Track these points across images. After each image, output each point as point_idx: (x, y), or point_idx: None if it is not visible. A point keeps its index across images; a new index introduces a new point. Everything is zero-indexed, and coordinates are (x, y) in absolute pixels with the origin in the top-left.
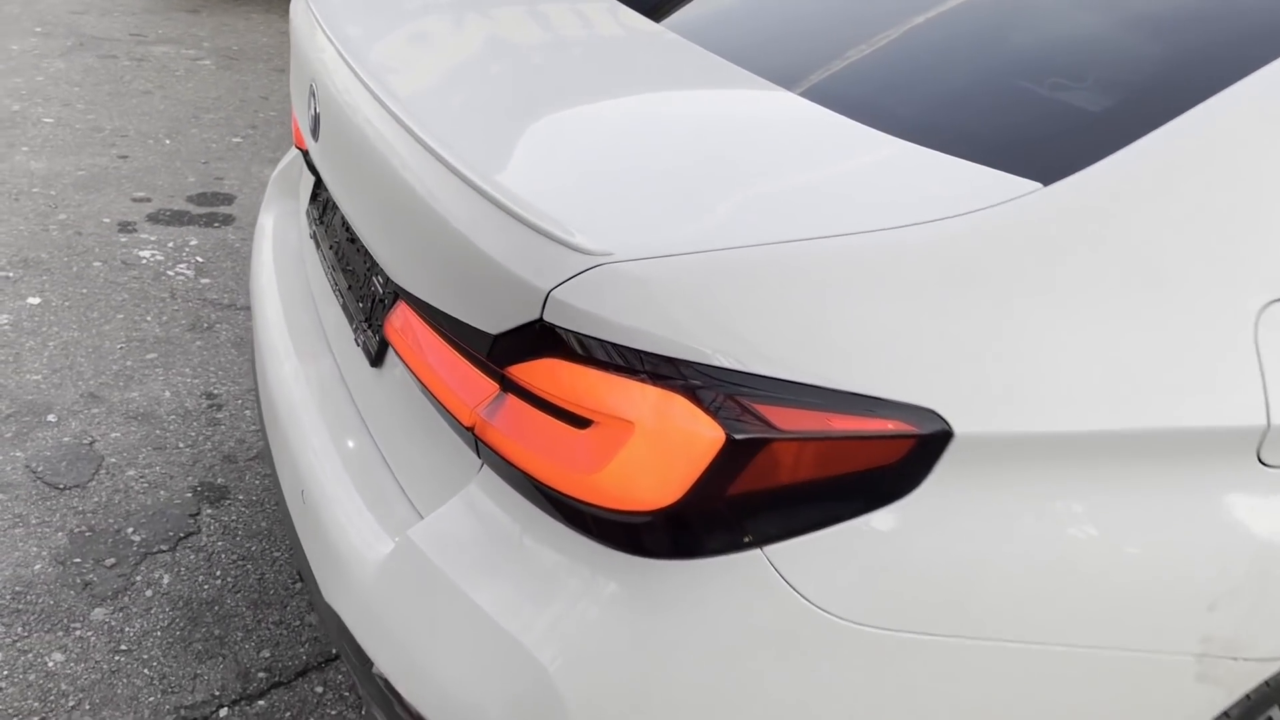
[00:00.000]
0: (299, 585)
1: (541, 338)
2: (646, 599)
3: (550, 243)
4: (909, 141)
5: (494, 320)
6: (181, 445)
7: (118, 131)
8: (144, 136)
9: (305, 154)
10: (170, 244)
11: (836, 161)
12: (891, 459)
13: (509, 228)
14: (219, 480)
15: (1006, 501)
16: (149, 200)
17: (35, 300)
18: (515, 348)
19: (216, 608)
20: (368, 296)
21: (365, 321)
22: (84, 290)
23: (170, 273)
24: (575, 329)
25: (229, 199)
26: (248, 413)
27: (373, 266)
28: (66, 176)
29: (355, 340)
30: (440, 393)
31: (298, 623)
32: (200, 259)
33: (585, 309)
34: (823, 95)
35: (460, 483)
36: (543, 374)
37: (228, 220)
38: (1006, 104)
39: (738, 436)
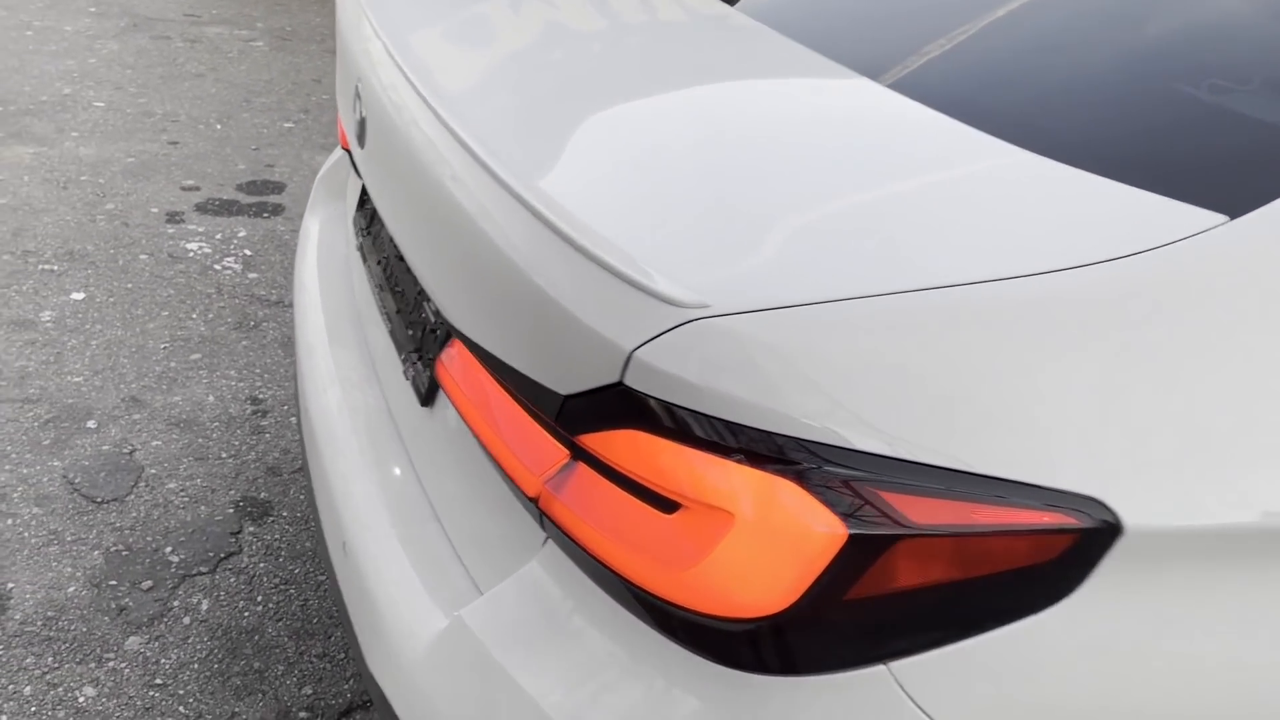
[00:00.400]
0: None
1: (621, 403)
2: None
3: (632, 291)
4: (1051, 159)
5: (564, 379)
6: (224, 455)
7: (169, 116)
8: (195, 121)
9: (349, 154)
10: (218, 236)
11: (970, 185)
12: (1045, 558)
13: (582, 270)
14: (262, 495)
15: (1182, 609)
16: (198, 189)
17: (79, 295)
18: (589, 412)
19: (257, 637)
20: (418, 325)
21: (415, 353)
22: (129, 285)
23: (217, 267)
24: (663, 396)
25: (279, 187)
26: (293, 419)
27: (424, 292)
28: (115, 164)
29: (404, 373)
30: (500, 454)
31: (341, 655)
32: (248, 252)
33: (675, 373)
34: (942, 99)
35: (521, 555)
36: (622, 447)
37: (277, 210)
38: (1166, 110)
39: (860, 532)
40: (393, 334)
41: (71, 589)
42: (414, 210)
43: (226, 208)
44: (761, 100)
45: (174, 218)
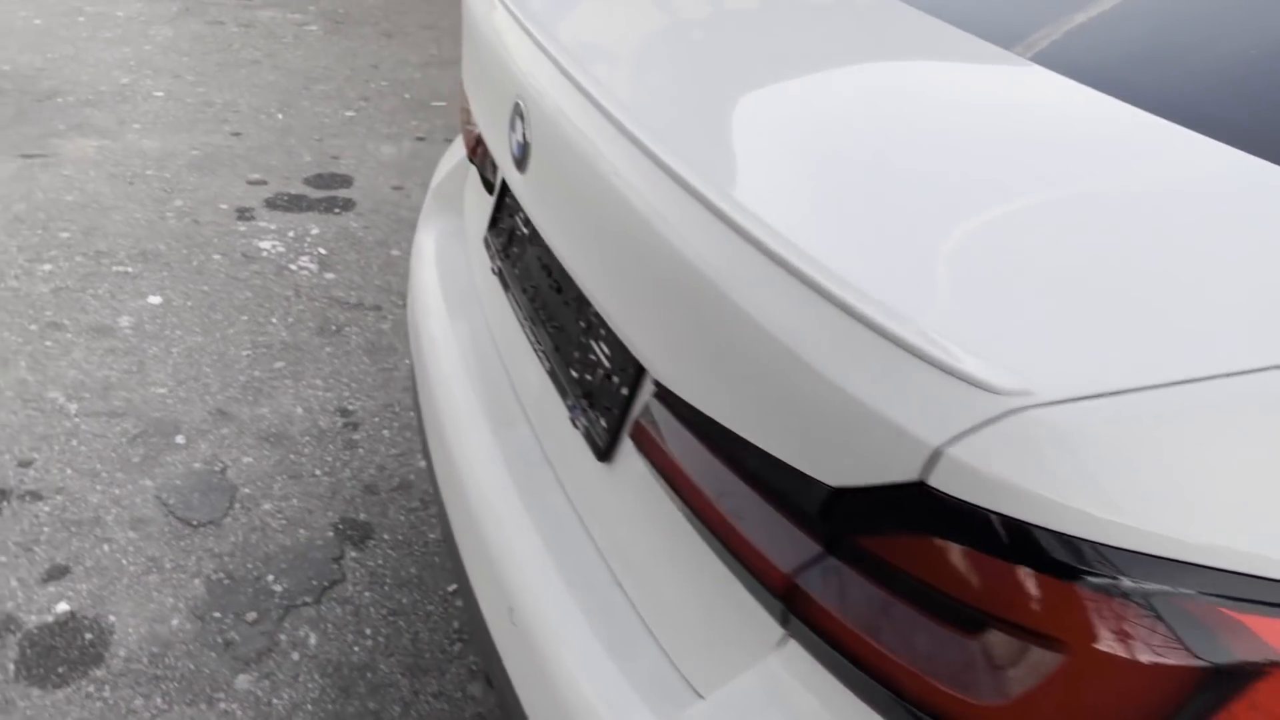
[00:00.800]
0: (457, 648)
1: (917, 503)
2: None
3: (933, 372)
4: None
5: (835, 469)
6: (318, 473)
7: (229, 105)
8: (256, 111)
9: (478, 168)
10: (290, 233)
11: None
12: None
13: (861, 343)
14: (361, 516)
15: None
16: (265, 183)
17: (156, 300)
18: (868, 510)
19: (369, 675)
20: (591, 369)
21: (584, 399)
22: (205, 288)
23: (293, 267)
24: (977, 500)
25: (347, 180)
26: (385, 433)
27: (596, 332)
28: (180, 157)
29: (572, 421)
30: (731, 538)
31: (459, 694)
32: (323, 250)
33: (995, 474)
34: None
35: (748, 650)
36: (914, 552)
37: (348, 205)
38: None
39: (1224, 663)
40: (552, 374)
41: (175, 622)
42: (607, 250)
43: (296, 203)
44: (973, 104)
45: (244, 214)
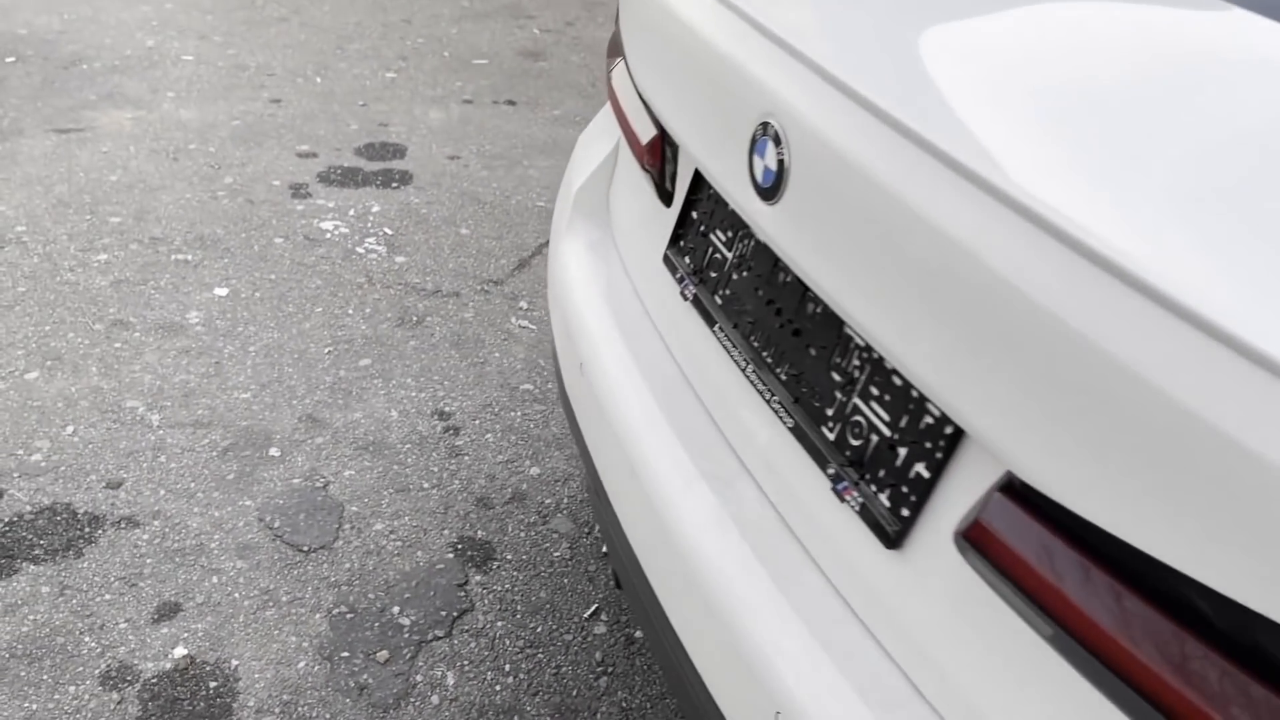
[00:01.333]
0: (603, 683)
1: None
2: None
3: None
4: None
5: None
6: (426, 485)
7: (263, 69)
8: (292, 74)
9: (654, 177)
10: (351, 212)
11: None
12: None
13: None
14: (478, 534)
15: None
16: (315, 155)
17: (222, 291)
18: None
19: (516, 718)
20: (857, 432)
21: (853, 469)
22: (272, 276)
23: (360, 250)
24: None
25: (399, 150)
26: (489, 438)
27: (865, 390)
28: (221, 128)
29: (837, 493)
30: (1147, 681)
31: None
32: (388, 231)
33: None
34: None
35: None
36: None
37: (405, 179)
38: None
39: None
40: (797, 432)
41: (302, 664)
42: (918, 299)
43: (350, 177)
44: None
45: (299, 191)
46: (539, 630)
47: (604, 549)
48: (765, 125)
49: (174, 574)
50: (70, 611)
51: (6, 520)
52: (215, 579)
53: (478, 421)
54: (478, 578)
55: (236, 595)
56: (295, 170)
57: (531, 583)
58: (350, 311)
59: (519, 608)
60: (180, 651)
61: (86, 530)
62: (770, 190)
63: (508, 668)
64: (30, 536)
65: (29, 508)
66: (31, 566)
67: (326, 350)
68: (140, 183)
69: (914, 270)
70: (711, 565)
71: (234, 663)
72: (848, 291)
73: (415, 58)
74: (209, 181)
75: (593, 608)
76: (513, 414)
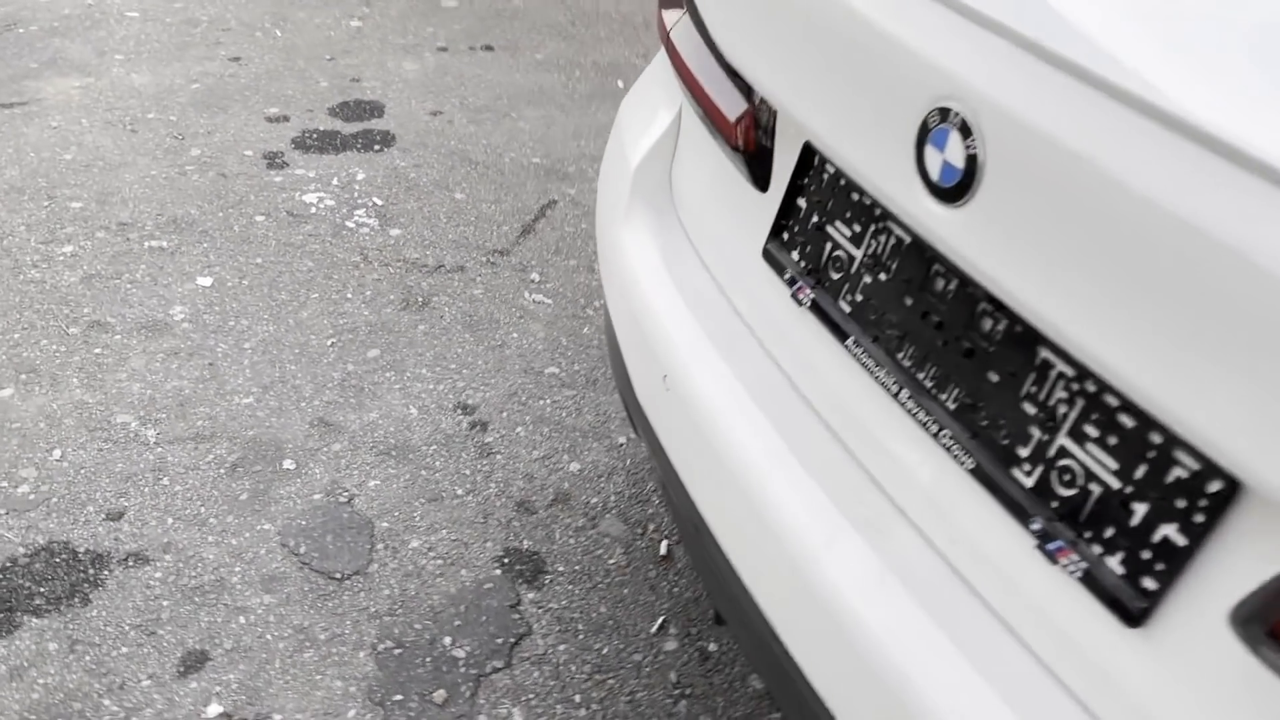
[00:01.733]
0: (683, 708)
1: None
2: None
3: None
4: None
5: None
6: (460, 492)
7: (216, 23)
8: (249, 28)
9: (745, 157)
10: (334, 181)
11: None
12: None
13: None
14: (524, 544)
15: None
16: (286, 119)
17: (206, 281)
18: None
19: None
20: (1067, 478)
21: (1068, 525)
22: (258, 260)
23: (350, 224)
24: None
25: (377, 108)
26: (519, 431)
27: (1078, 430)
28: (180, 92)
29: (1047, 554)
30: None
31: None
32: (378, 200)
33: None
34: None
35: None
36: None
37: (387, 140)
38: None
39: None
40: (980, 475)
41: (352, 713)
42: (1174, 320)
43: (328, 141)
44: None
45: (274, 160)
46: (605, 652)
47: (694, 573)
48: (944, 112)
49: (195, 616)
50: (84, 670)
51: None
52: (242, 619)
53: (505, 414)
54: (530, 595)
55: (268, 637)
56: (267, 137)
57: (589, 597)
58: (349, 295)
59: (580, 627)
60: (215, 710)
61: (91, 572)
62: (955, 191)
63: (578, 699)
64: (28, 584)
65: (22, 550)
66: (34, 620)
67: (330, 342)
68: (99, 160)
69: (1172, 284)
70: (876, 631)
71: (276, 718)
72: (1073, 315)
73: (380, 3)
74: (174, 155)
75: (659, 621)
76: (541, 402)
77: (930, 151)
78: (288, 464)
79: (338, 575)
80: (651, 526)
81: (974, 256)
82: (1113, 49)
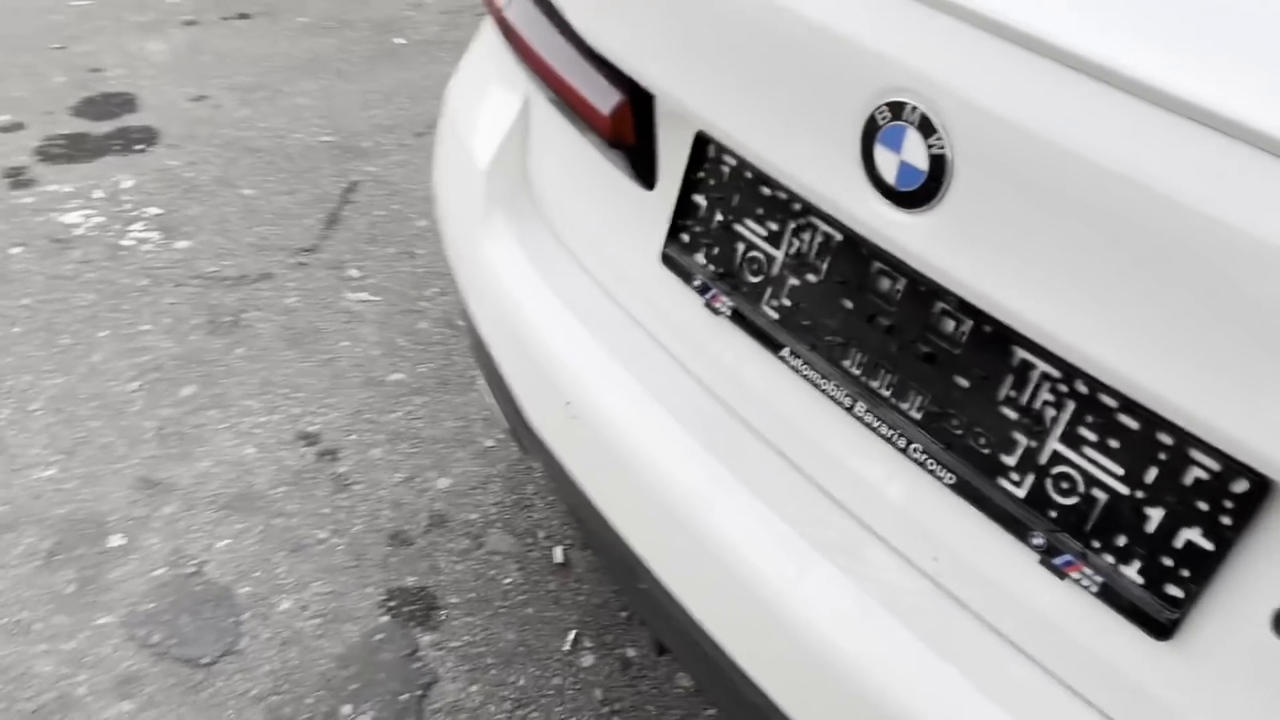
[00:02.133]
0: None
1: None
2: None
3: None
4: None
5: None
6: (323, 536)
7: None
8: None
9: (627, 154)
10: (97, 193)
11: None
12: None
13: None
14: (408, 581)
15: None
16: (22, 126)
17: None
18: None
19: None
20: (1065, 486)
21: (1074, 536)
22: (24, 301)
23: (126, 242)
24: None
25: (128, 101)
26: (374, 453)
27: (1071, 435)
28: None
29: (1053, 569)
30: None
31: None
32: (155, 209)
33: None
34: None
35: None
36: None
37: (150, 137)
38: None
39: None
40: (963, 489)
41: None
42: (1173, 314)
43: (79, 147)
44: None
45: (18, 178)
46: (521, 683)
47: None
48: (897, 107)
49: None
50: None
51: None
52: None
53: (354, 436)
54: (428, 637)
55: None
56: (3, 151)
57: (492, 625)
58: (145, 326)
59: (489, 661)
60: None
61: None
62: (918, 195)
63: None
64: None
65: None
66: None
67: (133, 386)
68: None
69: (1181, 276)
70: (869, 664)
71: None
72: (1064, 317)
73: None
74: None
75: (571, 636)
76: (392, 415)
77: (882, 152)
78: (115, 540)
79: (204, 660)
80: (542, 534)
81: (943, 264)
82: (1098, 32)
